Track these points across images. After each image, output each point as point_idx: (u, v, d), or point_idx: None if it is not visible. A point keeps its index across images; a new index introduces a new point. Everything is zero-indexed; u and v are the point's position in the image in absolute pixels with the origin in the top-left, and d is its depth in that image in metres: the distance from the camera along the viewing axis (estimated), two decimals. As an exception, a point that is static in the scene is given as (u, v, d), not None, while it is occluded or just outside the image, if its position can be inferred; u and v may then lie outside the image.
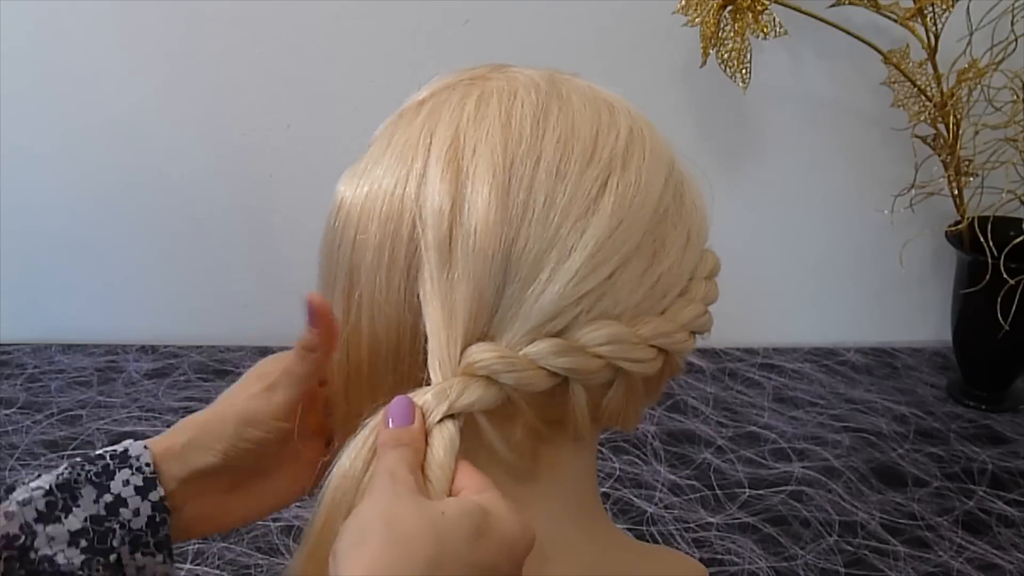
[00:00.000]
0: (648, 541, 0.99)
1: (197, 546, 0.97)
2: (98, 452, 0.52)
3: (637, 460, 1.13)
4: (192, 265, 1.35)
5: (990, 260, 1.15)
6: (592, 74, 0.53)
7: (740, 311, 1.36)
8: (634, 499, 1.06)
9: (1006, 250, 1.14)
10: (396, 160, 0.48)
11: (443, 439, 0.44)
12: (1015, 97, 1.17)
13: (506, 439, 0.47)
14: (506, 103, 0.48)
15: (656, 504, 1.06)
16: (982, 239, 1.17)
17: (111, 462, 0.51)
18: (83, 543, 0.49)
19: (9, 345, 1.34)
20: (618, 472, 1.10)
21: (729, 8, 1.13)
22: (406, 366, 0.47)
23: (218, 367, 1.30)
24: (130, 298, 1.36)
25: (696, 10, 1.14)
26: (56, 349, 1.34)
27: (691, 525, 1.02)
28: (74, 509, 0.49)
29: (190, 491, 0.53)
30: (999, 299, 1.17)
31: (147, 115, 1.28)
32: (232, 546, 0.98)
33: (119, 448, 0.52)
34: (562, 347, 0.45)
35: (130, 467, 0.51)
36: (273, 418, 0.54)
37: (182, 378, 1.27)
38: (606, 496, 1.06)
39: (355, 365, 0.49)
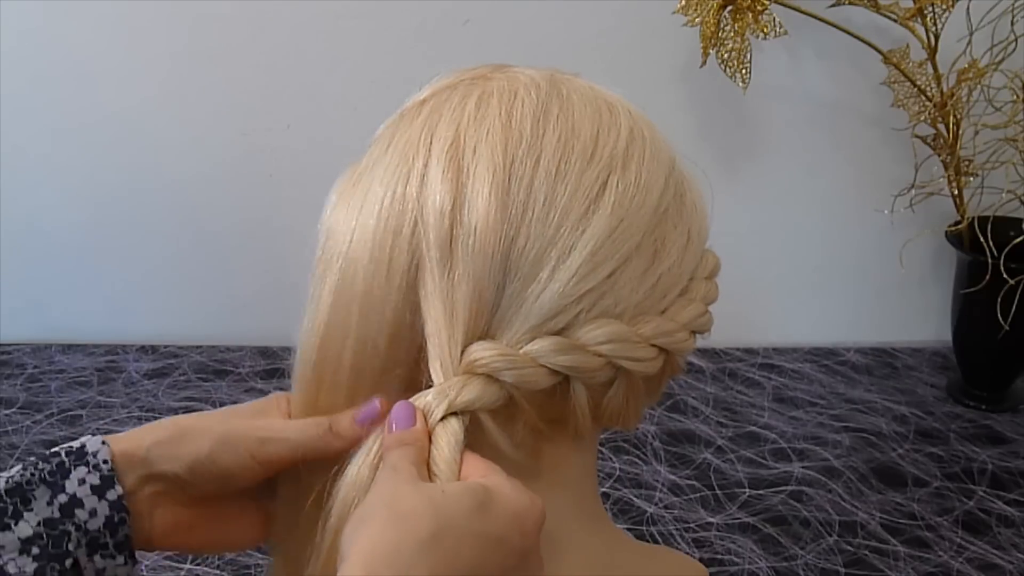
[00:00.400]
0: (648, 541, 0.99)
1: (197, 546, 0.97)
2: (54, 449, 0.49)
3: (637, 460, 1.13)
4: (192, 265, 1.35)
5: (990, 260, 1.15)
6: (592, 74, 0.53)
7: (740, 311, 1.37)
8: (634, 499, 1.06)
9: (1006, 250, 1.14)
10: (397, 160, 0.48)
11: (447, 435, 0.44)
12: (1015, 97, 1.17)
13: (509, 437, 0.47)
14: (507, 103, 0.48)
15: (656, 504, 1.06)
16: (982, 239, 1.17)
17: (67, 459, 0.48)
18: (35, 550, 0.46)
19: (9, 345, 1.34)
20: (618, 472, 1.10)
21: (729, 8, 1.13)
22: (403, 369, 0.47)
23: (218, 367, 1.30)
24: (130, 298, 1.36)
25: (696, 10, 1.14)
26: (56, 349, 1.34)
27: (691, 525, 1.02)
28: (25, 514, 0.46)
29: (149, 495, 0.50)
30: (999, 299, 1.16)
31: (147, 115, 1.28)
32: (232, 546, 0.98)
33: (76, 444, 0.49)
34: (563, 345, 0.45)
35: (87, 464, 0.48)
36: (253, 458, 0.50)
37: (182, 378, 1.27)
38: (606, 496, 1.06)
39: (333, 365, 0.48)
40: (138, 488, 0.50)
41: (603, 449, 1.14)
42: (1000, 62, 1.15)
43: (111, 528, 0.48)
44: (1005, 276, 1.15)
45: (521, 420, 0.47)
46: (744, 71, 1.15)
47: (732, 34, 1.14)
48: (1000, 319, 1.17)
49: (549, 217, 0.45)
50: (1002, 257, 1.14)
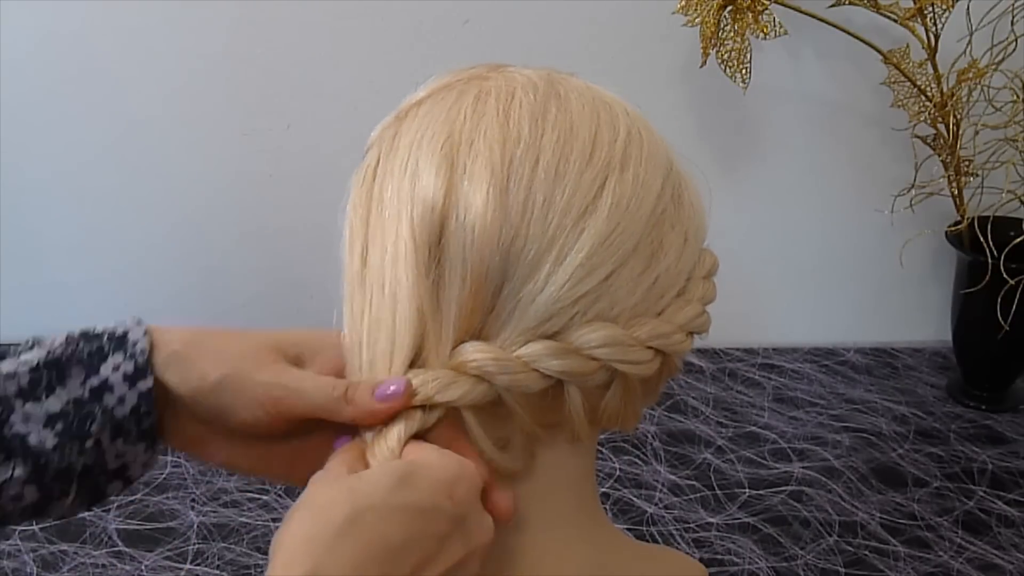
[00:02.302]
0: (648, 541, 0.99)
1: (197, 546, 0.98)
2: (98, 329, 0.49)
3: (637, 460, 1.13)
4: (192, 265, 1.35)
5: (990, 260, 1.15)
6: (592, 74, 0.53)
7: (740, 311, 1.37)
8: (634, 499, 1.06)
9: (1006, 250, 1.14)
10: (397, 161, 0.48)
11: (400, 427, 0.45)
12: (1015, 97, 1.17)
13: (495, 438, 0.47)
14: (504, 103, 0.48)
15: (656, 504, 1.06)
16: (982, 239, 1.17)
17: (107, 344, 0.48)
18: (59, 426, 0.46)
19: (9, 345, 1.34)
20: (618, 472, 1.10)
21: (729, 8, 1.13)
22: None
23: (218, 367, 1.30)
24: (129, 298, 1.36)
25: (696, 10, 1.14)
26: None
27: (691, 525, 1.02)
28: (58, 390, 0.47)
29: (176, 396, 0.49)
30: (999, 299, 1.16)
31: (147, 115, 1.28)
32: (232, 546, 0.98)
33: (119, 330, 0.49)
34: (556, 349, 0.45)
35: (124, 351, 0.48)
36: (262, 407, 0.48)
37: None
38: (606, 496, 1.06)
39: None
40: (169, 386, 0.49)
41: (603, 449, 1.14)
42: (1000, 62, 1.15)
43: (137, 417, 0.48)
44: (1005, 276, 1.15)
45: (514, 423, 0.47)
46: (744, 71, 1.15)
47: (732, 34, 1.14)
48: (1000, 319, 1.17)
49: (548, 218, 0.45)
50: (1002, 257, 1.14)
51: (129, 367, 0.48)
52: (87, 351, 0.48)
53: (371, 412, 0.46)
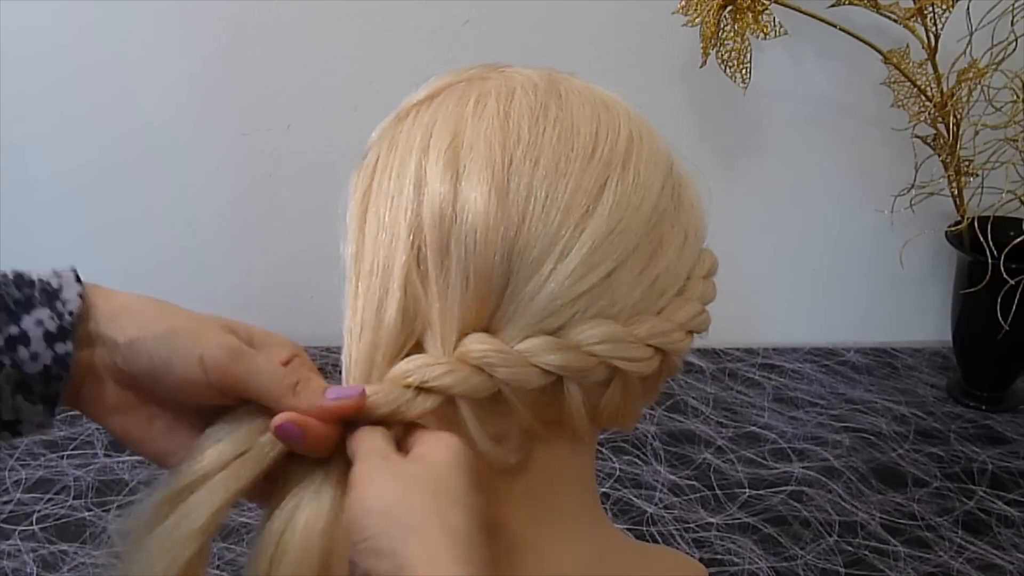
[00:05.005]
0: (648, 541, 0.99)
1: (197, 546, 0.97)
2: (36, 276, 0.48)
3: (637, 460, 1.13)
4: (192, 265, 1.35)
5: (990, 260, 1.15)
6: (592, 74, 0.53)
7: (740, 311, 1.37)
8: (634, 499, 1.06)
9: (1006, 250, 1.14)
10: (397, 161, 0.48)
11: (424, 405, 0.45)
12: (1015, 97, 1.17)
13: (492, 432, 0.47)
14: (504, 103, 0.48)
15: (656, 504, 1.06)
16: (982, 239, 1.17)
17: (37, 295, 0.46)
18: None
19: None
20: (618, 472, 1.10)
21: (729, 8, 1.13)
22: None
23: (218, 367, 1.30)
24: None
25: (696, 10, 1.14)
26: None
27: (691, 525, 1.03)
28: None
29: (89, 355, 0.47)
30: (999, 299, 1.16)
31: (147, 115, 1.28)
32: (232, 546, 0.98)
33: (53, 284, 0.47)
34: (555, 345, 0.45)
35: (51, 308, 0.46)
36: (201, 365, 0.46)
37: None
38: (606, 496, 1.06)
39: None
40: (85, 345, 0.47)
41: (603, 449, 1.14)
42: (1000, 62, 1.15)
43: (45, 378, 0.46)
44: (1005, 276, 1.15)
45: (512, 418, 0.47)
46: (744, 71, 1.15)
47: (732, 34, 1.14)
48: (1000, 319, 1.17)
49: (550, 217, 0.45)
50: (1002, 257, 1.14)
51: (52, 326, 0.46)
52: (14, 299, 0.46)
53: (318, 409, 0.45)
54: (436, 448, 0.44)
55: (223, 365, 0.46)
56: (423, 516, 0.41)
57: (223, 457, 0.45)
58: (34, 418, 0.47)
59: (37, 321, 0.46)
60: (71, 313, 0.46)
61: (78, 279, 0.48)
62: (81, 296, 0.47)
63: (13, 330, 0.46)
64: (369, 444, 0.44)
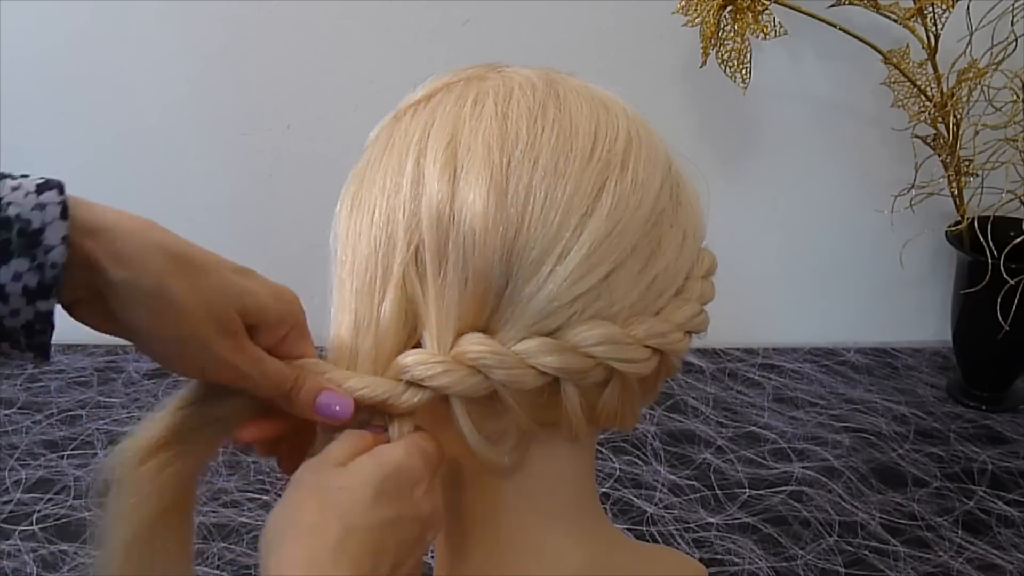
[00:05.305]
0: (648, 541, 0.99)
1: (197, 546, 0.97)
2: (10, 213, 0.41)
3: (637, 460, 1.13)
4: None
5: (990, 260, 1.15)
6: (592, 74, 0.52)
7: (740, 311, 1.37)
8: (634, 499, 1.06)
9: (1006, 250, 1.14)
10: (396, 161, 0.48)
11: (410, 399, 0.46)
12: (1015, 97, 1.17)
13: (488, 433, 0.47)
14: (502, 103, 0.48)
15: (656, 504, 1.06)
16: (982, 239, 1.17)
17: (15, 240, 0.40)
18: None
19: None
20: (618, 472, 1.10)
21: (729, 8, 1.13)
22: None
23: (218, 367, 1.30)
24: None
25: (696, 10, 1.14)
26: (56, 349, 1.33)
27: (691, 525, 1.02)
28: None
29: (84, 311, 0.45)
30: (999, 299, 1.16)
31: (147, 116, 1.28)
32: (232, 546, 0.98)
33: (36, 224, 0.41)
34: (552, 346, 0.45)
35: (31, 259, 0.40)
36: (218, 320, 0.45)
37: (182, 378, 1.27)
38: (606, 496, 1.06)
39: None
40: (70, 289, 0.43)
41: (603, 449, 1.14)
42: (1000, 62, 1.15)
43: (28, 332, 0.42)
44: (1005, 276, 1.15)
45: (509, 419, 0.47)
46: (744, 71, 1.15)
47: (732, 34, 1.14)
48: (1000, 319, 1.17)
49: (549, 218, 0.45)
50: (1002, 257, 1.14)
51: (32, 281, 0.40)
52: None
53: (308, 417, 0.48)
54: (363, 462, 0.45)
55: (226, 380, 0.48)
56: (299, 523, 0.43)
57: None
58: (26, 361, 0.44)
59: (15, 274, 0.40)
60: (54, 265, 0.40)
61: (64, 213, 0.42)
62: (66, 240, 0.41)
63: None
64: (313, 460, 0.46)
